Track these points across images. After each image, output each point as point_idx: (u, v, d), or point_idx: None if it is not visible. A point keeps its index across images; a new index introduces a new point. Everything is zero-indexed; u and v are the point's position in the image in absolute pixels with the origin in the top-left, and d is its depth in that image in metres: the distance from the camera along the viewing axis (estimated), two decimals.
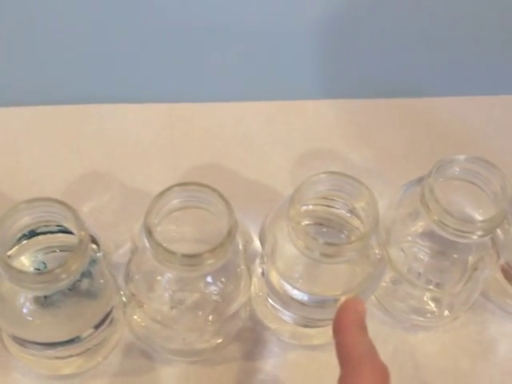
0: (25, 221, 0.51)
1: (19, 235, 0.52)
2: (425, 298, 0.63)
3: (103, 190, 0.68)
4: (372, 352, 0.47)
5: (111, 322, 0.57)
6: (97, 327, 0.55)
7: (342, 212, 0.56)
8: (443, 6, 0.79)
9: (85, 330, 0.54)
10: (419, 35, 0.78)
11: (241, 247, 0.54)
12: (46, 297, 0.51)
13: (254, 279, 0.61)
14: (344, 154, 0.72)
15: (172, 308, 0.56)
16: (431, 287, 0.59)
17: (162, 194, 0.50)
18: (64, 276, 0.48)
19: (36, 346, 0.54)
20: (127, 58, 0.76)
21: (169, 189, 0.51)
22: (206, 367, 0.60)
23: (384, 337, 0.63)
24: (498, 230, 0.56)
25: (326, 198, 0.55)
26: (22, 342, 0.54)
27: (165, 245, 0.49)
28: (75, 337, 0.54)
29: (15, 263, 0.52)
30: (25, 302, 0.51)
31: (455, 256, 0.57)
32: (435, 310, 0.63)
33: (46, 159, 0.69)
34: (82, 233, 0.49)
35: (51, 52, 0.75)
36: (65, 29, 0.74)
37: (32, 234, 0.53)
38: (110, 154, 0.70)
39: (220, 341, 0.60)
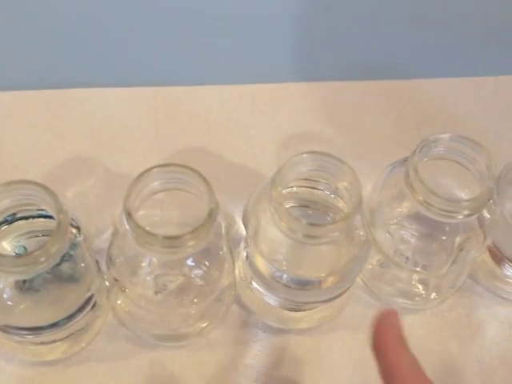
0: (4, 204, 0.50)
1: (0, 219, 0.51)
2: (412, 281, 0.62)
3: (87, 175, 0.67)
4: (417, 368, 0.45)
5: (94, 306, 0.56)
6: (79, 311, 0.54)
7: (326, 193, 0.55)
8: None
9: (66, 314, 0.53)
10: (406, 16, 0.77)
11: (223, 230, 0.54)
12: (25, 281, 0.51)
13: (239, 263, 0.60)
14: (330, 136, 0.71)
15: (156, 293, 0.55)
16: (418, 269, 0.58)
17: (141, 175, 0.50)
18: (43, 259, 0.47)
19: (18, 332, 0.54)
20: (111, 41, 0.75)
21: (148, 170, 0.50)
22: (190, 352, 0.60)
23: (371, 320, 0.62)
24: (485, 211, 0.55)
25: (309, 180, 0.54)
26: (4, 328, 0.53)
27: (146, 228, 0.48)
28: (57, 321, 0.53)
29: None
30: (4, 288, 0.51)
31: (441, 237, 0.57)
32: (423, 292, 0.62)
33: (29, 144, 0.69)
34: (61, 215, 0.48)
35: (34, 36, 0.74)
36: (48, 13, 0.73)
37: (13, 218, 0.53)
38: (94, 139, 0.69)
39: (205, 325, 0.59)
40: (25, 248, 0.54)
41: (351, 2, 0.77)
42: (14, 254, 0.54)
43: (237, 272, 0.60)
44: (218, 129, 0.71)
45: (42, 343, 0.56)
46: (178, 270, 0.56)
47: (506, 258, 0.61)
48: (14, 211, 0.52)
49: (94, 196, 0.66)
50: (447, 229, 0.56)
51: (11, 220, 0.53)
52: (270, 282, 0.56)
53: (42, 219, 0.53)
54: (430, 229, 0.56)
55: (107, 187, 0.67)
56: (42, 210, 0.52)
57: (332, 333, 0.62)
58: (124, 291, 0.54)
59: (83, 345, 0.59)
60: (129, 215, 0.48)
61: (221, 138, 0.70)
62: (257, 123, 0.72)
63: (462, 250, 0.55)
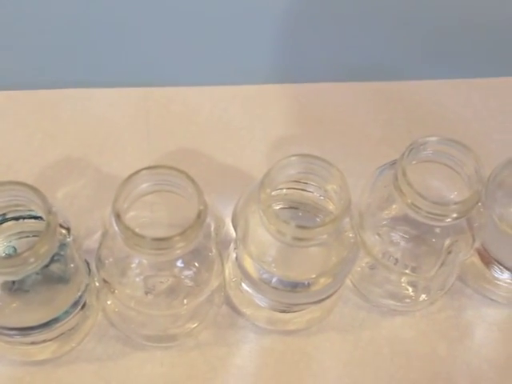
0: None
1: None
2: (401, 283, 0.62)
3: (78, 176, 0.67)
4: None
5: (83, 307, 0.56)
6: (68, 312, 0.54)
7: (316, 195, 0.55)
8: None
9: (55, 315, 0.53)
10: (396, 18, 0.77)
11: (213, 231, 0.54)
12: (14, 282, 0.50)
13: (229, 264, 0.60)
14: (321, 138, 0.71)
15: (146, 294, 0.55)
16: (407, 271, 0.58)
17: (129, 177, 0.50)
18: (32, 260, 0.47)
19: (8, 332, 0.54)
20: (103, 42, 0.75)
21: (137, 172, 0.50)
22: (180, 353, 0.60)
23: (360, 322, 0.63)
24: (474, 213, 0.55)
25: (298, 182, 0.54)
26: None
27: (136, 229, 0.48)
28: (46, 322, 0.53)
29: None
30: None
31: (431, 239, 0.57)
32: (412, 294, 0.62)
33: (20, 144, 0.69)
34: (50, 216, 0.48)
35: (25, 36, 0.74)
36: (39, 13, 0.73)
37: (3, 219, 0.53)
38: (85, 139, 0.69)
39: (194, 326, 0.59)
40: (15, 248, 0.54)
41: (342, 3, 0.77)
42: (3, 254, 0.54)
43: (226, 273, 0.60)
44: (208, 130, 0.71)
45: (33, 343, 0.56)
46: (167, 272, 0.56)
47: (495, 260, 0.61)
48: (4, 212, 0.52)
49: (84, 197, 0.66)
50: (436, 231, 0.56)
51: (1, 221, 0.53)
52: (259, 284, 0.56)
53: (33, 220, 0.53)
54: (419, 231, 0.57)
55: (98, 188, 0.67)
56: (32, 210, 0.51)
57: (321, 334, 0.62)
58: (113, 292, 0.54)
59: (73, 345, 0.59)
60: (117, 217, 0.48)
61: (212, 139, 0.70)
62: (247, 124, 0.72)
63: (450, 252, 0.55)
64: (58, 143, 0.69)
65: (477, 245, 0.59)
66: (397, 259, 0.58)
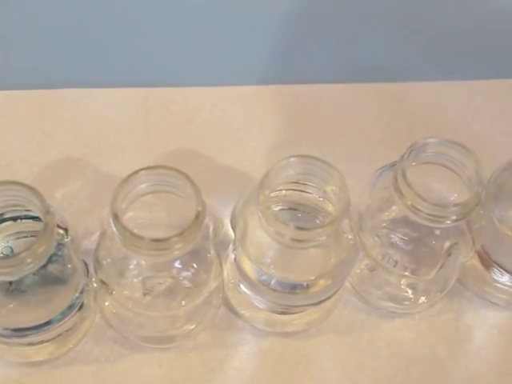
0: None
1: None
2: (401, 285, 0.62)
3: (77, 176, 0.67)
4: None
5: (81, 308, 0.56)
6: (66, 313, 0.54)
7: (315, 197, 0.55)
8: None
9: (52, 315, 0.53)
10: (397, 19, 0.77)
11: (211, 232, 0.53)
12: (11, 282, 0.50)
13: (228, 265, 0.60)
14: (321, 139, 0.71)
15: (144, 295, 0.55)
16: (407, 273, 0.58)
17: (128, 178, 0.49)
18: (30, 260, 0.47)
19: (5, 333, 0.53)
20: (103, 42, 0.75)
21: (135, 173, 0.50)
22: (178, 354, 0.60)
23: (359, 324, 0.63)
24: (474, 215, 0.55)
25: (298, 183, 0.54)
26: None
27: (134, 230, 0.48)
28: (43, 323, 0.53)
29: None
30: None
31: (430, 242, 0.56)
32: (411, 296, 0.62)
33: (19, 144, 0.68)
34: (48, 217, 0.48)
35: (24, 36, 0.74)
36: (38, 13, 0.73)
37: (1, 219, 0.53)
38: (85, 140, 0.69)
39: (192, 327, 0.59)
40: (11, 249, 0.54)
41: (344, 4, 0.77)
42: (0, 255, 0.54)
43: (225, 275, 0.60)
44: (208, 130, 0.71)
45: (30, 344, 0.56)
46: (165, 273, 0.55)
47: (495, 263, 0.61)
48: (2, 212, 0.52)
49: (83, 197, 0.66)
50: (436, 233, 0.55)
51: None
52: (257, 286, 0.56)
53: (30, 220, 0.53)
54: (419, 233, 0.56)
55: (97, 188, 0.66)
56: (30, 210, 0.51)
57: (320, 336, 0.62)
58: (111, 293, 0.54)
59: (70, 346, 0.59)
60: (115, 217, 0.48)
61: (211, 140, 0.70)
62: (247, 125, 0.71)
63: (450, 254, 0.55)
64: (57, 143, 0.69)
65: (477, 247, 0.59)
66: (396, 261, 0.57)
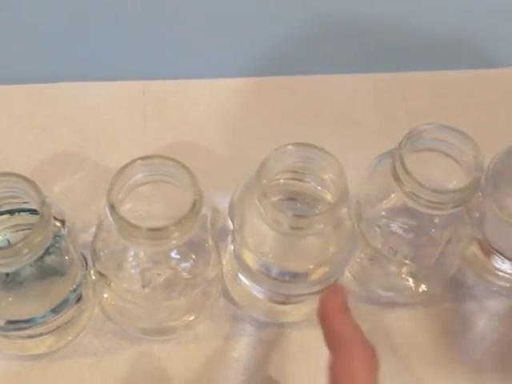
0: None
1: None
2: (401, 274, 0.62)
3: (75, 170, 0.67)
4: (360, 333, 0.48)
5: (79, 300, 0.56)
6: (64, 305, 0.54)
7: (313, 186, 0.55)
8: None
9: (50, 307, 0.53)
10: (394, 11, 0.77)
11: (209, 223, 0.53)
12: (8, 274, 0.50)
13: (227, 256, 0.60)
14: (320, 130, 0.71)
15: (143, 286, 0.55)
16: (407, 261, 0.58)
17: (124, 168, 0.49)
18: (26, 251, 0.47)
19: (3, 325, 0.53)
20: (99, 35, 0.74)
21: (131, 163, 0.49)
22: (177, 345, 0.60)
23: (360, 314, 0.61)
24: (473, 202, 0.55)
25: (295, 172, 0.54)
26: None
27: (133, 221, 0.47)
28: (41, 315, 0.53)
29: None
30: None
31: (430, 229, 0.56)
32: (412, 285, 0.62)
33: (17, 138, 0.68)
34: (44, 207, 0.48)
35: (21, 30, 0.74)
36: (34, 6, 0.73)
37: None
38: (82, 133, 0.69)
39: (192, 318, 0.59)
40: (9, 241, 0.54)
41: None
42: None
43: (224, 265, 0.60)
44: (206, 122, 0.70)
45: (29, 337, 0.55)
46: (164, 264, 0.55)
47: (496, 251, 0.61)
48: None
49: (81, 191, 0.66)
50: (435, 221, 0.55)
51: None
52: (256, 275, 0.55)
53: (28, 213, 0.53)
54: (418, 221, 0.56)
55: (95, 182, 0.66)
56: (27, 203, 0.51)
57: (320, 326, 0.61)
58: (109, 285, 0.54)
59: (69, 338, 0.58)
60: (112, 208, 0.48)
61: (209, 132, 0.70)
62: (245, 117, 0.71)
63: (449, 241, 0.55)
64: (54, 137, 0.68)
65: (477, 235, 0.59)
66: (396, 250, 0.57)
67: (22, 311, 0.52)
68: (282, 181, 0.55)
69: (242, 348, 0.60)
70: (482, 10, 0.80)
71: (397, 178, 0.52)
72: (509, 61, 0.77)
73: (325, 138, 0.69)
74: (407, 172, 0.51)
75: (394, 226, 0.57)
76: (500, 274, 0.63)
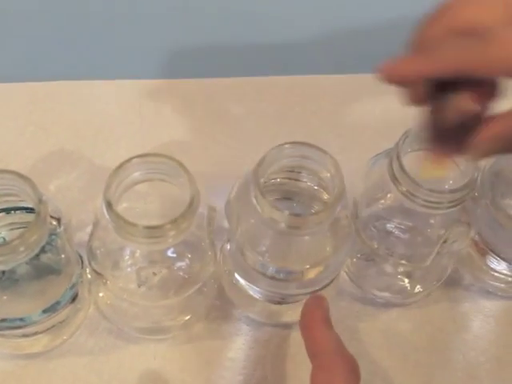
0: None
1: None
2: (397, 274, 0.62)
3: (71, 168, 0.67)
4: (340, 345, 0.49)
5: (75, 299, 0.56)
6: (59, 304, 0.53)
7: (310, 185, 0.55)
8: None
9: (45, 306, 0.52)
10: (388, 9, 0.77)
11: (205, 222, 0.53)
12: (4, 272, 0.50)
13: (223, 256, 0.60)
14: (317, 129, 0.71)
15: (139, 285, 0.55)
16: (403, 262, 0.58)
17: (120, 166, 0.49)
18: (22, 249, 0.47)
19: None
20: (95, 34, 0.74)
21: (128, 161, 0.49)
22: (173, 345, 0.60)
23: (356, 314, 0.62)
24: (470, 202, 0.54)
25: (292, 171, 0.54)
26: None
27: (130, 219, 0.47)
28: (37, 313, 0.53)
29: None
30: None
31: (426, 229, 0.56)
32: (407, 285, 0.62)
33: (13, 137, 0.68)
34: (40, 205, 0.48)
35: (17, 29, 0.74)
36: (30, 5, 0.73)
37: None
38: (78, 132, 0.69)
39: (187, 318, 0.59)
40: (4, 240, 0.54)
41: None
42: None
43: (220, 264, 0.60)
44: (203, 121, 0.70)
45: (24, 336, 0.55)
46: (160, 263, 0.55)
47: (492, 251, 0.61)
48: None
49: (77, 189, 0.66)
50: (431, 221, 0.55)
51: None
52: (252, 274, 0.55)
53: (24, 212, 0.53)
54: (415, 221, 0.56)
55: (91, 180, 0.66)
56: (23, 201, 0.51)
57: None
58: (105, 284, 0.53)
59: (65, 337, 0.58)
60: (109, 206, 0.48)
61: (206, 131, 0.70)
62: (243, 116, 0.71)
63: (445, 241, 0.55)
64: (50, 135, 0.69)
65: (473, 235, 0.59)
66: (392, 249, 0.57)
67: (17, 309, 0.52)
68: (278, 180, 0.55)
69: (238, 348, 0.60)
70: None
71: (394, 178, 0.52)
72: None
73: (322, 137, 0.69)
74: (404, 171, 0.51)
75: (391, 226, 0.57)
76: (495, 274, 0.63)
